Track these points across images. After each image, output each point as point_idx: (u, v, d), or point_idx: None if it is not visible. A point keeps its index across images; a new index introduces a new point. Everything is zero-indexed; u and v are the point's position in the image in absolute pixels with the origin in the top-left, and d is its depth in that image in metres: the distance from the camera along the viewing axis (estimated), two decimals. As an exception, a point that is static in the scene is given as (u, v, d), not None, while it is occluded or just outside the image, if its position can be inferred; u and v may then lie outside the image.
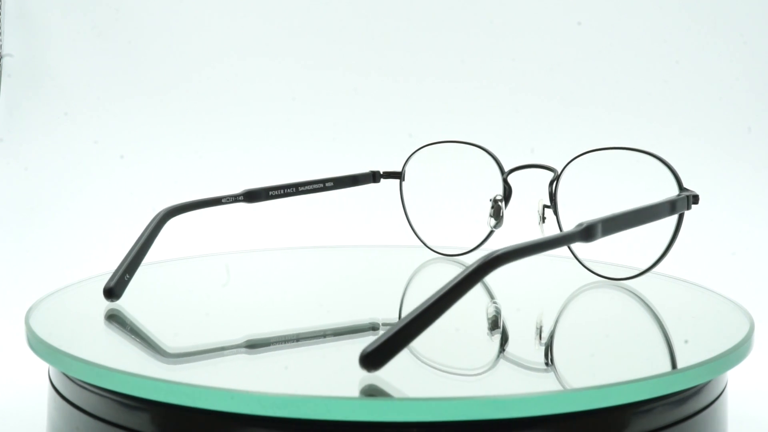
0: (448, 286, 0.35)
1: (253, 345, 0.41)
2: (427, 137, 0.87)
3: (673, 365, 0.39)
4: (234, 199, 0.54)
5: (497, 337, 0.43)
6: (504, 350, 0.41)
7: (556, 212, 0.50)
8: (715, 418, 0.39)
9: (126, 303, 0.46)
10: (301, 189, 0.56)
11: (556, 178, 0.50)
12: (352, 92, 0.88)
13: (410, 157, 0.59)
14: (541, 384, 0.37)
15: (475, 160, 0.55)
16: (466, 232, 0.56)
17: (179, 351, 0.41)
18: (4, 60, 0.84)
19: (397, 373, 0.35)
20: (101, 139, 0.85)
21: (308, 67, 0.88)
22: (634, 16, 0.88)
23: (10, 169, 0.84)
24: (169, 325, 0.45)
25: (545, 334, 0.44)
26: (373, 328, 0.44)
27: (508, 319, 0.46)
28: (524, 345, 0.42)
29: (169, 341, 0.42)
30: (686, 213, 0.47)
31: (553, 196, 0.50)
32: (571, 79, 0.87)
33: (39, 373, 0.46)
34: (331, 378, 0.37)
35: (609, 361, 0.40)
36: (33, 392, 0.49)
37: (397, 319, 0.44)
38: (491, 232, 0.54)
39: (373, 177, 0.60)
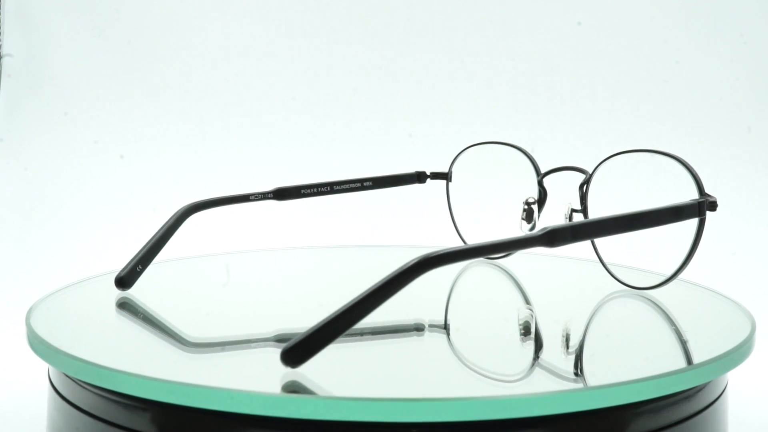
0: (375, 287, 0.34)
1: (283, 339, 0.41)
2: (427, 137, 0.87)
3: (674, 365, 0.39)
4: (262, 196, 0.53)
5: (530, 343, 0.43)
6: (539, 357, 0.40)
7: (586, 216, 0.48)
8: (715, 418, 0.39)
9: (138, 295, 0.46)
10: (336, 188, 0.55)
11: (587, 182, 0.48)
12: (352, 92, 0.88)
13: (456, 158, 0.58)
14: (542, 384, 0.37)
15: (515, 161, 0.54)
16: (508, 235, 0.55)
17: (201, 341, 0.41)
18: (4, 60, 0.84)
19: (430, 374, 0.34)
20: (101, 139, 0.85)
21: (308, 67, 0.88)
22: (634, 16, 0.88)
23: (10, 169, 0.84)
24: (191, 317, 0.45)
25: (545, 334, 0.44)
26: (418, 329, 0.43)
27: (515, 321, 0.46)
28: (528, 347, 0.42)
29: (191, 331, 0.42)
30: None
31: (583, 199, 0.48)
32: (571, 79, 0.87)
33: (39, 373, 0.46)
34: (350, 377, 0.37)
35: (609, 361, 0.40)
36: (33, 392, 0.49)
37: (442, 322, 0.44)
38: None
39: (418, 177, 0.58)
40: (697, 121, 0.85)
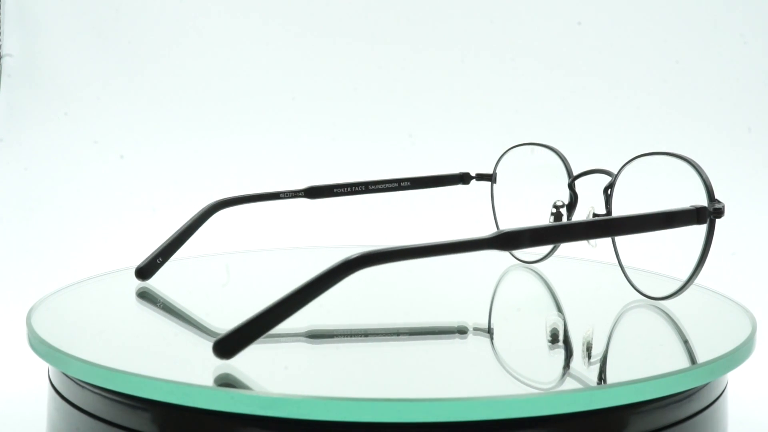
0: (306, 283, 0.35)
1: (315, 335, 0.40)
2: (427, 137, 0.87)
3: (675, 366, 0.39)
4: (293, 194, 0.52)
5: (559, 351, 0.42)
6: (569, 367, 0.39)
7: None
8: (715, 418, 0.39)
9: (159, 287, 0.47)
10: (371, 188, 0.53)
11: (611, 185, 0.46)
12: (352, 92, 0.88)
13: (500, 159, 0.56)
14: (544, 385, 0.37)
15: (554, 163, 0.53)
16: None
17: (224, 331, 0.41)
18: (4, 60, 0.84)
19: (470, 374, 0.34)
20: (101, 139, 0.85)
21: (308, 66, 0.88)
22: (634, 16, 0.88)
23: (10, 169, 0.84)
24: (217, 309, 0.45)
25: (545, 332, 0.44)
26: (461, 331, 0.43)
27: (518, 322, 0.46)
28: (528, 346, 0.42)
29: (213, 321, 0.42)
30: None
31: (608, 202, 0.46)
32: (571, 79, 0.87)
33: (39, 373, 0.46)
34: (369, 377, 0.37)
35: (609, 361, 0.40)
36: (33, 392, 0.49)
37: (484, 325, 0.44)
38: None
39: (462, 178, 0.57)
40: (697, 122, 0.85)
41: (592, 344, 0.42)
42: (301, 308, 0.35)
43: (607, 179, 0.47)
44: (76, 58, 0.86)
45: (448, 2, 0.89)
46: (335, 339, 0.41)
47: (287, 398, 0.33)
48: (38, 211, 0.82)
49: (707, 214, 0.42)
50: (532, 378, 0.37)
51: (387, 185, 0.54)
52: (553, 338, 0.43)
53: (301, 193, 0.53)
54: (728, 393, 0.41)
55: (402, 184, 0.54)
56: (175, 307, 0.49)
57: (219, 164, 0.85)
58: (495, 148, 0.57)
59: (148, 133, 0.86)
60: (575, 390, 0.35)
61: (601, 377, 0.38)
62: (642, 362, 0.39)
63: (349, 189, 0.53)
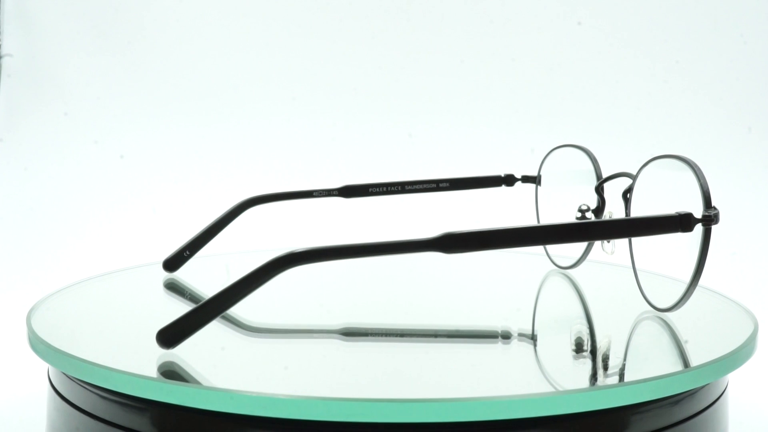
0: (237, 282, 0.36)
1: (349, 333, 0.40)
2: (427, 137, 0.87)
3: (676, 366, 0.39)
4: (327, 193, 0.52)
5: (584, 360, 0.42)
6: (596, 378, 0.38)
7: None
8: (714, 419, 0.39)
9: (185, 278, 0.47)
10: (407, 188, 0.52)
11: (630, 189, 0.45)
12: (352, 92, 0.88)
13: (543, 161, 0.55)
14: (542, 385, 0.37)
15: (587, 167, 0.51)
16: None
17: (262, 326, 0.41)
18: (4, 60, 0.84)
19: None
20: (101, 139, 0.85)
21: (308, 66, 0.88)
22: (634, 16, 0.88)
23: (10, 169, 0.84)
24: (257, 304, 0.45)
25: (544, 332, 0.44)
26: (505, 336, 0.42)
27: (511, 321, 0.46)
28: (526, 345, 0.42)
29: (251, 317, 0.42)
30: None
31: (627, 206, 0.45)
32: (571, 79, 0.87)
33: (39, 373, 0.46)
34: (377, 377, 0.37)
35: (609, 362, 0.40)
36: (33, 392, 0.49)
37: (523, 331, 0.43)
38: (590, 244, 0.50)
39: (506, 180, 0.54)
40: (697, 121, 0.85)
41: (600, 349, 0.42)
42: (233, 305, 0.36)
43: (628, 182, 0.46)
44: (76, 58, 0.86)
45: (449, 2, 0.89)
46: (368, 338, 0.41)
47: (287, 398, 0.33)
48: (38, 211, 0.82)
49: (693, 222, 0.39)
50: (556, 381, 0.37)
51: (425, 186, 0.53)
52: (578, 348, 0.42)
53: (335, 192, 0.52)
54: (728, 394, 0.41)
55: (440, 185, 0.53)
56: (184, 301, 0.48)
57: (219, 164, 0.85)
58: (495, 148, 0.56)
59: (148, 133, 0.86)
60: (575, 391, 0.35)
61: (601, 378, 0.38)
62: (642, 363, 0.39)
63: (384, 189, 0.52)
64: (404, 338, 0.41)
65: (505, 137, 0.84)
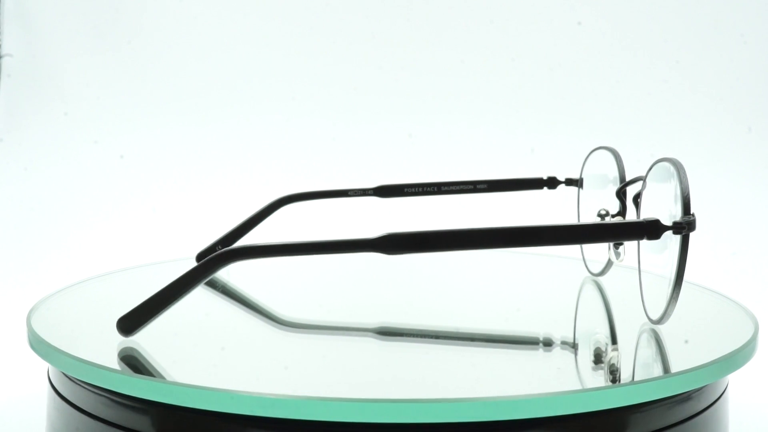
0: (182, 276, 0.37)
1: (384, 332, 0.40)
2: (427, 137, 0.86)
3: (675, 366, 0.39)
4: (362, 192, 0.52)
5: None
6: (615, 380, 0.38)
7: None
8: (714, 420, 0.39)
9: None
10: (444, 189, 0.51)
11: (639, 194, 0.43)
12: (351, 92, 0.88)
13: (584, 163, 0.53)
14: (542, 385, 0.37)
15: (614, 171, 0.50)
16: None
17: (294, 321, 0.41)
18: (4, 60, 0.84)
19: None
20: (101, 139, 0.85)
21: (308, 66, 0.88)
22: (634, 16, 0.88)
23: (10, 169, 0.84)
24: (217, 309, 0.45)
25: (541, 333, 0.44)
26: (547, 343, 0.41)
27: (513, 320, 0.46)
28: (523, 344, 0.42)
29: (282, 310, 0.42)
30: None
31: (638, 211, 0.43)
32: (571, 79, 0.87)
33: (39, 373, 0.46)
34: (431, 380, 0.37)
35: (610, 362, 0.40)
36: (33, 392, 0.49)
37: (554, 340, 0.43)
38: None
39: (548, 183, 0.53)
40: (697, 121, 0.85)
41: (600, 349, 0.41)
42: (179, 298, 0.38)
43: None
44: (76, 58, 0.86)
45: (449, 2, 0.89)
46: (403, 338, 0.41)
47: (287, 398, 0.33)
48: (38, 211, 0.82)
49: (661, 229, 0.36)
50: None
51: (461, 187, 0.52)
52: (597, 359, 0.41)
53: (370, 192, 0.52)
54: (728, 395, 0.41)
55: (478, 187, 0.52)
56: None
57: (219, 164, 0.85)
58: (495, 148, 0.56)
59: (148, 133, 0.86)
60: (575, 391, 0.35)
61: (603, 378, 0.38)
62: (642, 363, 0.39)
63: (420, 189, 0.51)
64: (439, 340, 0.41)
65: (505, 137, 0.84)
